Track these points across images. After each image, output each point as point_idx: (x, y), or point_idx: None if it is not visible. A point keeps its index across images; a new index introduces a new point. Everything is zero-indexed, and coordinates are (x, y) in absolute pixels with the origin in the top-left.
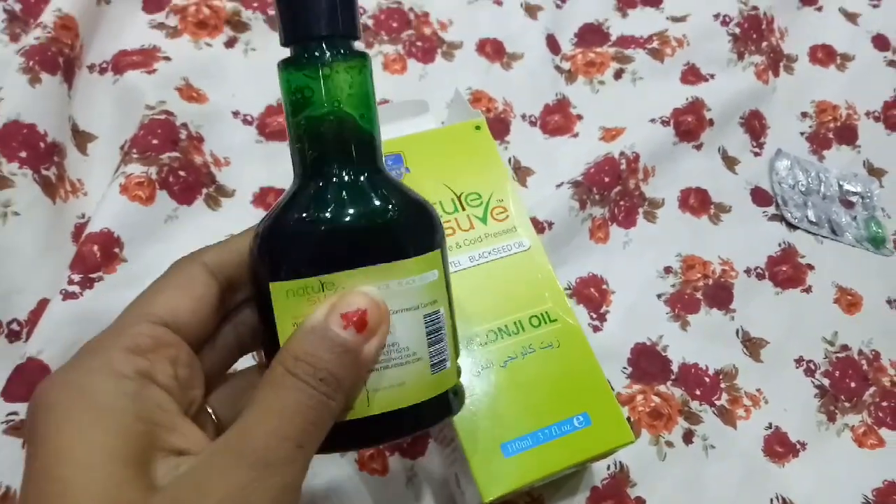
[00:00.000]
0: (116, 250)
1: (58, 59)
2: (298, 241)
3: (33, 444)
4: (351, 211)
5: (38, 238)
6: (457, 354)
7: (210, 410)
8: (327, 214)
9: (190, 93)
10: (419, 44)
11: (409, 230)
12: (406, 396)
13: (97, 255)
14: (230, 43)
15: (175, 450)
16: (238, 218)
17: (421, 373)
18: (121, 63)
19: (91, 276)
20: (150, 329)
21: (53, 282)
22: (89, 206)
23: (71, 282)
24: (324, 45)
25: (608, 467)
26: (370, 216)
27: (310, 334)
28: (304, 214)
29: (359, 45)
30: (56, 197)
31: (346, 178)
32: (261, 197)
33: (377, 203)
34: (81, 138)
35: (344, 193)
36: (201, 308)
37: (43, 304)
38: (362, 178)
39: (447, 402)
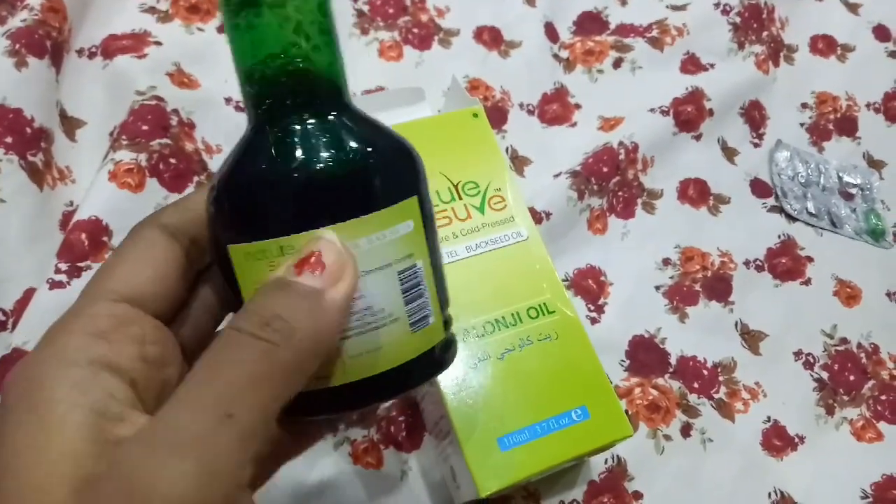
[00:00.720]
0: (105, 239)
1: (45, 42)
2: (253, 198)
3: None
4: (309, 162)
5: (24, 226)
6: (444, 305)
7: None
8: (281, 168)
9: (181, 78)
10: (416, 30)
11: (377, 178)
12: (385, 360)
13: (85, 243)
14: (222, 28)
15: (121, 439)
16: None
17: (399, 333)
18: (110, 47)
19: (79, 264)
20: (108, 308)
21: (40, 271)
22: (77, 194)
23: (58, 270)
24: None
25: (605, 461)
26: (331, 166)
27: (265, 287)
28: (258, 168)
29: None
30: (43, 184)
31: (303, 121)
32: None
33: (339, 150)
34: (69, 124)
35: (300, 140)
36: (165, 275)
37: (29, 293)
38: (322, 120)
39: (433, 358)
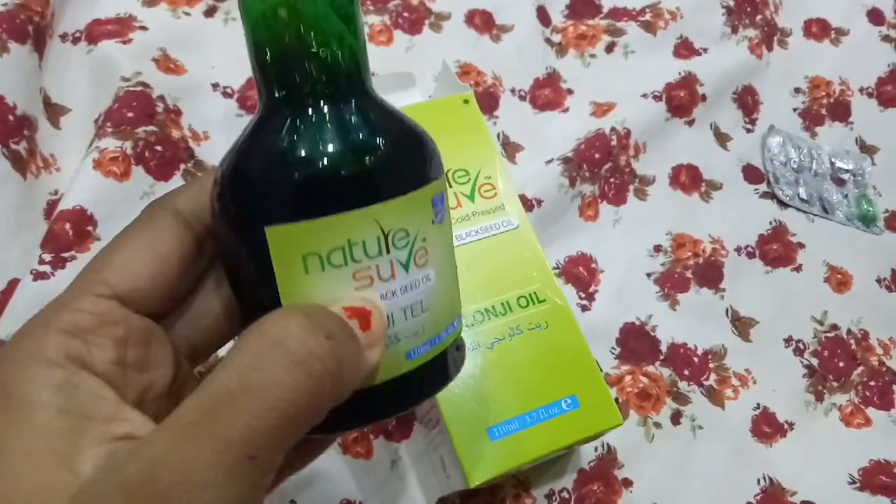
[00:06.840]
0: (90, 228)
1: (27, 27)
2: (301, 172)
3: None
4: (332, 148)
5: (7, 216)
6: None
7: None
8: (303, 153)
9: (167, 64)
10: (406, 14)
11: (425, 152)
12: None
13: (70, 233)
14: (209, 12)
15: (116, 437)
16: None
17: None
18: (95, 32)
19: (63, 255)
20: (92, 304)
21: (24, 261)
22: (62, 182)
23: (42, 261)
24: None
25: (595, 449)
26: (383, 142)
27: (316, 308)
28: (276, 153)
29: None
30: (27, 172)
31: (326, 104)
32: None
33: (387, 130)
34: (53, 111)
35: (324, 125)
36: (167, 270)
37: (13, 284)
38: (345, 105)
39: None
